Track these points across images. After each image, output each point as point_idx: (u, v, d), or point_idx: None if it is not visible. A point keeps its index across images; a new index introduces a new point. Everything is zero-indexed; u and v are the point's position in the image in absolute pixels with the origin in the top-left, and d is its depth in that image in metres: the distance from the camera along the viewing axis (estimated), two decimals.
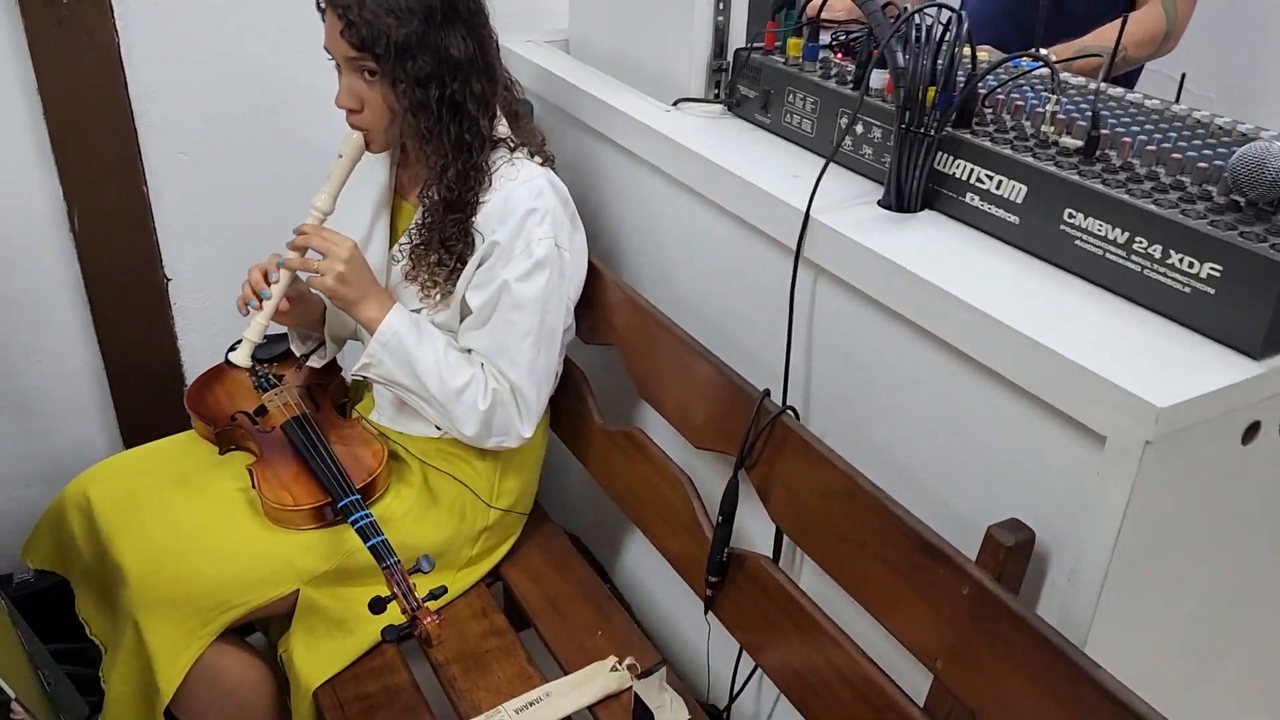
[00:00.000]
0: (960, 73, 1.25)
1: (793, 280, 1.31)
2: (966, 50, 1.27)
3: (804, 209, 1.27)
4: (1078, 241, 1.12)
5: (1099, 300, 1.10)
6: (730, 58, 1.62)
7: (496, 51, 1.51)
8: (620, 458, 1.62)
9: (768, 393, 1.32)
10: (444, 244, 1.48)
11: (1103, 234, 1.09)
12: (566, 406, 1.74)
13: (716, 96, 1.65)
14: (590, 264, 1.63)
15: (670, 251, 1.64)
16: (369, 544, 1.42)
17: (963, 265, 1.16)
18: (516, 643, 1.57)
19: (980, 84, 1.32)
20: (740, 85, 1.59)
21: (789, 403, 1.36)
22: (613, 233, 1.77)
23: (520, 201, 1.47)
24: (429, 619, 1.36)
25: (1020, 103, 1.31)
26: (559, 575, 1.70)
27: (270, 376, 1.68)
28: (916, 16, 1.24)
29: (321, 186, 1.49)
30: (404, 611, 1.38)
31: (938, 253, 1.19)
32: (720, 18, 1.62)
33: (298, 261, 1.46)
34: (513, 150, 1.52)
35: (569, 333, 1.65)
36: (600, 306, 1.65)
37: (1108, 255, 1.09)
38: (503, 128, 1.53)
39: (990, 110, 1.32)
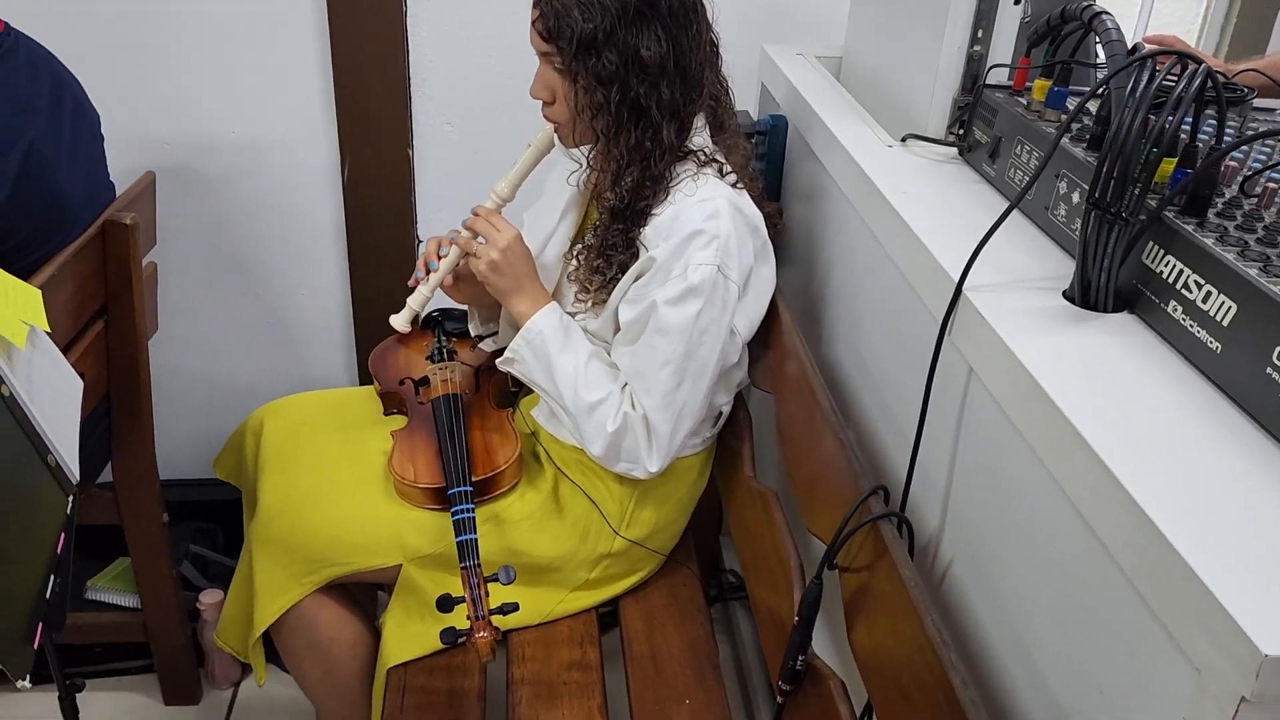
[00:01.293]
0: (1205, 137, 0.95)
1: (931, 366, 1.08)
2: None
3: (956, 279, 1.03)
4: None
5: None
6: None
7: (711, 55, 1.40)
8: (754, 516, 1.45)
9: (879, 491, 1.10)
10: (604, 251, 1.40)
11: None
12: (727, 445, 1.59)
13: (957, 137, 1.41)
14: (773, 302, 1.47)
15: (861, 308, 1.43)
16: (458, 539, 1.38)
17: (1121, 399, 0.87)
18: (598, 684, 1.46)
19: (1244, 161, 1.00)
20: (976, 127, 1.34)
21: (910, 511, 1.13)
22: (823, 275, 1.59)
23: (689, 220, 1.35)
24: (483, 632, 1.30)
25: None
26: (674, 628, 1.56)
27: (446, 350, 1.70)
28: (1151, 64, 0.95)
29: (507, 172, 1.48)
30: (468, 617, 1.33)
31: (1098, 375, 0.91)
32: (977, 47, 1.38)
33: (463, 240, 1.46)
34: (701, 165, 1.39)
35: (738, 370, 1.51)
36: (772, 350, 1.48)
37: None
38: (700, 139, 1.41)
39: (1256, 199, 1.00)
